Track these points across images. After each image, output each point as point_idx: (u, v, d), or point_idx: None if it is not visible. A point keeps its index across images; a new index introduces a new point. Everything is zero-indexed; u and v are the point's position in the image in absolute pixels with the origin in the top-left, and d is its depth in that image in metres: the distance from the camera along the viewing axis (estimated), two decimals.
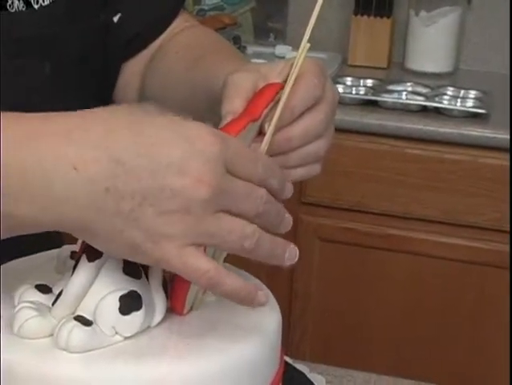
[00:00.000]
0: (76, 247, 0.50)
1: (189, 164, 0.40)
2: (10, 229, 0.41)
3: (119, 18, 0.66)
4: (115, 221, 0.40)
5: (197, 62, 0.62)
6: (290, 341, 1.48)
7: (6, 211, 0.40)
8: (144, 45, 0.69)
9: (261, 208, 0.43)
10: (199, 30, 0.70)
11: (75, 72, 0.63)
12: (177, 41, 0.67)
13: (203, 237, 0.41)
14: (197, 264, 0.41)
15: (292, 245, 0.45)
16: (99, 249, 0.43)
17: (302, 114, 0.50)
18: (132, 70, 0.69)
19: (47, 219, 0.41)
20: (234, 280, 0.43)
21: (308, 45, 0.49)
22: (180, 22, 0.70)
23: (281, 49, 1.77)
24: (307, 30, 0.49)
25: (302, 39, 0.49)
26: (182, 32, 0.69)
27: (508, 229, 1.37)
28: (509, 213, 1.36)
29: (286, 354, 0.55)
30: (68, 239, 0.49)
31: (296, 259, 0.45)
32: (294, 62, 0.49)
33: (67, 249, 0.52)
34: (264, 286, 0.47)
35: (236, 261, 0.53)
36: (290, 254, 0.45)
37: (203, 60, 0.61)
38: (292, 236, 1.48)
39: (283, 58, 1.73)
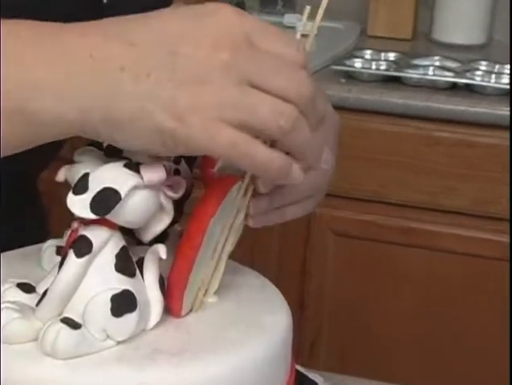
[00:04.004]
0: (62, 242, 0.51)
1: (203, 32, 0.44)
2: (33, 129, 0.45)
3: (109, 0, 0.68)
4: (134, 104, 0.43)
5: None
6: (301, 347, 1.49)
7: (32, 107, 0.44)
8: None
9: (297, 87, 0.44)
10: None
11: None
12: None
13: (228, 108, 0.43)
14: (224, 136, 0.43)
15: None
16: (124, 146, 0.46)
17: None
18: None
19: (69, 111, 0.44)
20: (267, 149, 0.45)
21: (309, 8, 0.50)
22: None
23: (290, 18, 1.77)
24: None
25: (311, 7, 0.49)
26: None
27: None
28: (509, 205, 1.36)
29: (297, 362, 0.55)
30: (54, 232, 0.50)
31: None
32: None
33: (52, 243, 0.53)
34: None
35: (241, 260, 0.54)
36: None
37: None
38: (304, 230, 1.50)
39: (292, 28, 1.73)
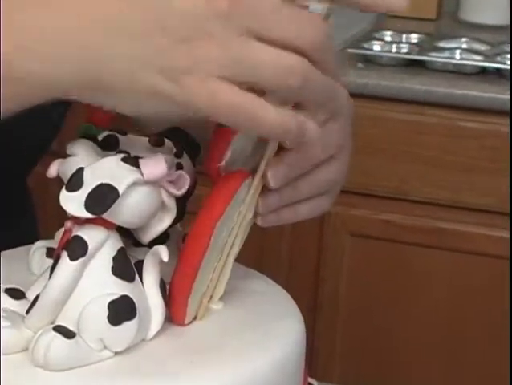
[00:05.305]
0: (53, 243, 0.52)
1: None
2: (19, 92, 0.45)
3: None
4: (126, 66, 0.43)
5: None
6: (314, 358, 1.49)
7: (17, 70, 0.44)
8: None
9: (306, 33, 0.44)
10: None
11: None
12: None
13: (228, 65, 0.43)
14: (226, 97, 0.43)
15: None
16: (120, 111, 0.46)
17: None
18: None
19: (58, 74, 0.44)
20: (276, 109, 0.44)
21: None
22: None
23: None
24: None
25: None
26: None
27: None
28: (509, 202, 1.36)
29: (310, 375, 0.56)
30: (44, 234, 0.50)
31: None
32: None
33: (41, 244, 0.53)
34: None
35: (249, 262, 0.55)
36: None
37: None
38: (317, 230, 1.50)
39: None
